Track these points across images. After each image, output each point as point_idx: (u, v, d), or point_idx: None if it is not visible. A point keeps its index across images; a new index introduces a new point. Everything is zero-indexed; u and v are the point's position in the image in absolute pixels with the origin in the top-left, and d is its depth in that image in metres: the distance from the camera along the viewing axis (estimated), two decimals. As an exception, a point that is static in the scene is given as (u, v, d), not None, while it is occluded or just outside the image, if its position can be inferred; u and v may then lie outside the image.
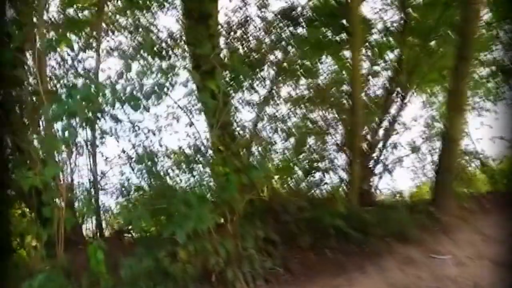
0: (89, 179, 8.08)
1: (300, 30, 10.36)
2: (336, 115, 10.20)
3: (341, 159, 9.99)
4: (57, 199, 6.29)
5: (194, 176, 7.07)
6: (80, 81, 7.90)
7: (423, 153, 10.43)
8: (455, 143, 7.59)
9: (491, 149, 10.33)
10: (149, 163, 6.63)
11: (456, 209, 7.59)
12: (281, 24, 10.21)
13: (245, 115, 9.92)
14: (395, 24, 9.82)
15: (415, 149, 9.81)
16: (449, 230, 7.17)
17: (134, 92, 5.66)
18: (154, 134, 7.73)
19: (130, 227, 7.48)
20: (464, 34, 7.35)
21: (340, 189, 8.80)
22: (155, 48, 8.15)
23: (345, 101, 10.06)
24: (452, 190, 7.70)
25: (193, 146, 7.76)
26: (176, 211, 5.33)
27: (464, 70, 7.36)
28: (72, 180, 7.71)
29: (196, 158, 7.29)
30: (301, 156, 9.98)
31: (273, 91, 10.43)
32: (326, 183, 9.68)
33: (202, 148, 7.54)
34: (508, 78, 10.25)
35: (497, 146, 10.14)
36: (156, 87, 5.91)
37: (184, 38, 8.74)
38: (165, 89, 6.03)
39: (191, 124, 7.71)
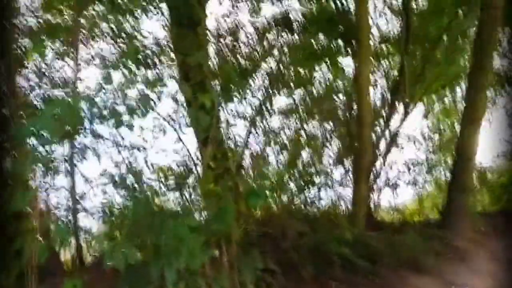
0: (67, 201, 7.35)
1: (295, 37, 9.81)
2: (334, 127, 9.68)
3: (341, 175, 9.53)
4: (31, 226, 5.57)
5: (183, 196, 6.46)
6: (56, 93, 7.15)
7: (425, 167, 10.00)
8: (470, 160, 6.97)
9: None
10: (134, 186, 5.93)
11: (471, 232, 6.97)
12: (274, 31, 9.63)
13: (237, 128, 9.35)
14: (396, 32, 9.32)
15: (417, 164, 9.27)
16: (465, 258, 6.55)
17: (116, 107, 4.94)
18: (139, 150, 7.02)
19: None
20: (481, 42, 6.75)
21: (343, 211, 8.17)
22: (139, 56, 7.50)
23: (343, 113, 9.58)
24: (467, 212, 7.08)
25: (182, 163, 7.14)
26: (165, 245, 4.62)
27: (482, 81, 6.76)
28: (47, 203, 6.99)
29: (185, 176, 6.67)
30: (298, 171, 9.41)
31: (266, 102, 9.83)
32: (321, 199, 9.23)
33: (192, 166, 6.92)
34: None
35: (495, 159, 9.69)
36: (141, 101, 5.20)
37: (171, 45, 8.08)
38: (151, 103, 5.31)
39: (179, 139, 7.06)
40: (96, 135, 6.06)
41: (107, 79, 5.26)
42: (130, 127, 4.92)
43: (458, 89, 10.27)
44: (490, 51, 6.71)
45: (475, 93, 6.82)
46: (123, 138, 6.89)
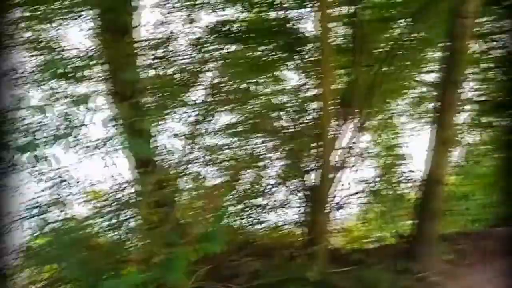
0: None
1: (233, 48, 9.10)
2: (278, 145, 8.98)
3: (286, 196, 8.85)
4: None
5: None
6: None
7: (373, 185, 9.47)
8: (439, 184, 6.37)
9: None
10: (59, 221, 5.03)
11: (441, 263, 6.39)
12: (211, 42, 8.88)
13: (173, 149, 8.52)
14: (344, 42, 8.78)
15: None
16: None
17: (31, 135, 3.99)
18: (63, 180, 6.06)
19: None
20: (452, 54, 6.16)
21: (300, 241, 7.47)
22: (61, 70, 6.58)
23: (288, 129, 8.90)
24: (437, 240, 6.48)
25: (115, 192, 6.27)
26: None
27: (454, 96, 6.15)
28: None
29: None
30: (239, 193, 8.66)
31: (205, 119, 9.04)
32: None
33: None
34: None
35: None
36: (64, 126, 4.27)
37: (99, 57, 7.17)
38: (78, 128, 4.38)
39: (111, 164, 6.18)
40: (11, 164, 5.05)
41: (21, 99, 4.32)
42: (48, 161, 3.99)
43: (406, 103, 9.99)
44: (462, 63, 6.11)
45: (446, 111, 6.22)
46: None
